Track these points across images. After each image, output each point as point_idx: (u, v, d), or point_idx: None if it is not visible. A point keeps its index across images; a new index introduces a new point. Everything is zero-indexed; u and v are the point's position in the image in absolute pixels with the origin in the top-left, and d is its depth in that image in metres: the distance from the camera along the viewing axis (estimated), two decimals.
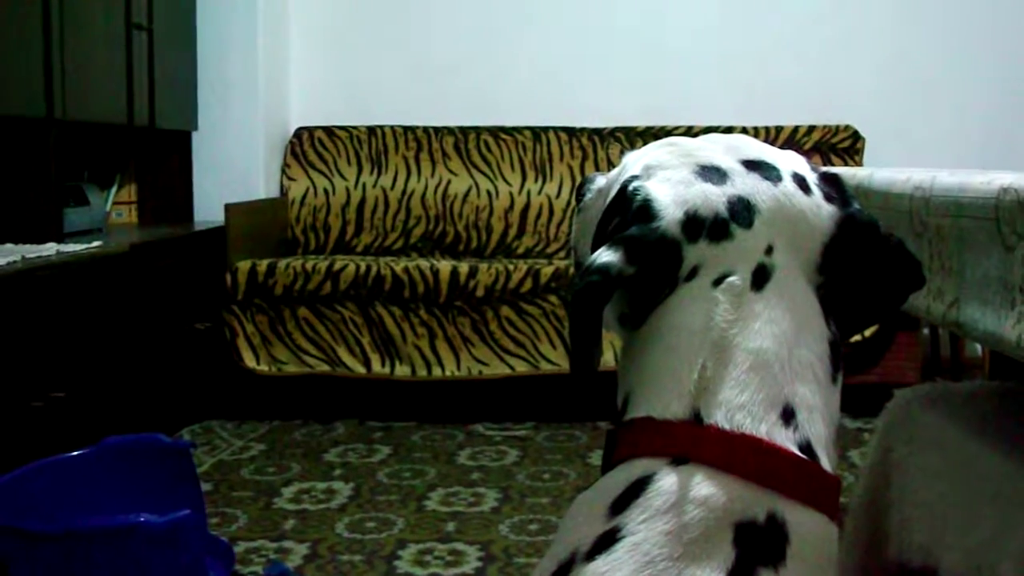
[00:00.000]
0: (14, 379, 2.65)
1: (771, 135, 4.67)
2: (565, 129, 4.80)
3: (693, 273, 1.00)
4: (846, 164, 4.60)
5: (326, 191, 4.78)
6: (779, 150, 1.09)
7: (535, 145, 4.80)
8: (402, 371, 4.01)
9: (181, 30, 4.40)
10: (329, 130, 4.87)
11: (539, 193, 4.73)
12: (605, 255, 0.99)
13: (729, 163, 1.05)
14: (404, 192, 4.77)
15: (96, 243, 3.32)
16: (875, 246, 1.04)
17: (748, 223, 1.01)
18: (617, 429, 1.02)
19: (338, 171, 4.81)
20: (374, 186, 4.79)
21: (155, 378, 3.63)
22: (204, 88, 4.56)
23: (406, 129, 4.85)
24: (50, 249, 3.07)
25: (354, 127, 4.87)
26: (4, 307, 2.61)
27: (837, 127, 4.72)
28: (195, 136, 4.56)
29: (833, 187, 1.06)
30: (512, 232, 4.71)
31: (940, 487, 1.66)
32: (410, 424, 4.04)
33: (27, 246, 3.10)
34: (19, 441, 2.60)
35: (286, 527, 2.97)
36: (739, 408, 0.96)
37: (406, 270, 4.01)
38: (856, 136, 4.70)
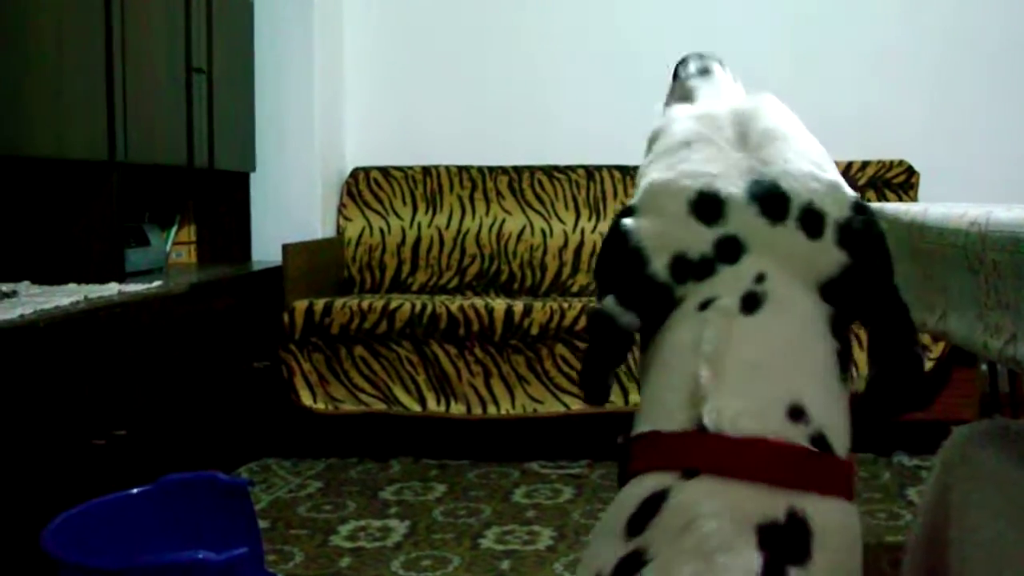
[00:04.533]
0: (77, 417, 2.70)
1: None
2: (618, 167, 4.82)
3: (681, 301, 1.04)
4: (900, 199, 4.57)
5: (382, 230, 4.82)
6: (818, 165, 1.10)
7: (589, 183, 4.82)
8: (457, 409, 4.02)
9: (240, 73, 4.48)
10: (385, 170, 4.92)
11: (593, 231, 4.74)
12: (607, 303, 1.07)
13: (733, 189, 1.06)
14: (459, 231, 4.80)
15: (157, 283, 3.38)
16: (880, 309, 1.06)
17: (734, 259, 1.04)
18: (628, 443, 1.05)
19: (394, 211, 4.85)
20: (429, 225, 4.82)
21: (214, 416, 3.67)
22: (262, 130, 4.64)
23: (461, 169, 4.89)
24: (112, 289, 3.12)
25: (409, 167, 4.92)
26: (68, 346, 2.66)
27: (891, 162, 4.70)
28: (253, 177, 4.63)
29: (859, 234, 1.06)
30: (566, 270, 4.72)
31: (999, 526, 1.64)
32: (465, 462, 4.04)
33: (90, 286, 3.16)
34: (81, 478, 2.64)
35: (342, 565, 2.99)
36: (741, 413, 0.98)
37: (461, 309, 4.03)
38: (910, 171, 4.67)
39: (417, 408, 4.03)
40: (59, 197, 3.40)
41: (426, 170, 4.91)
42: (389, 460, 4.08)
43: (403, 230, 4.82)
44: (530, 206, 4.80)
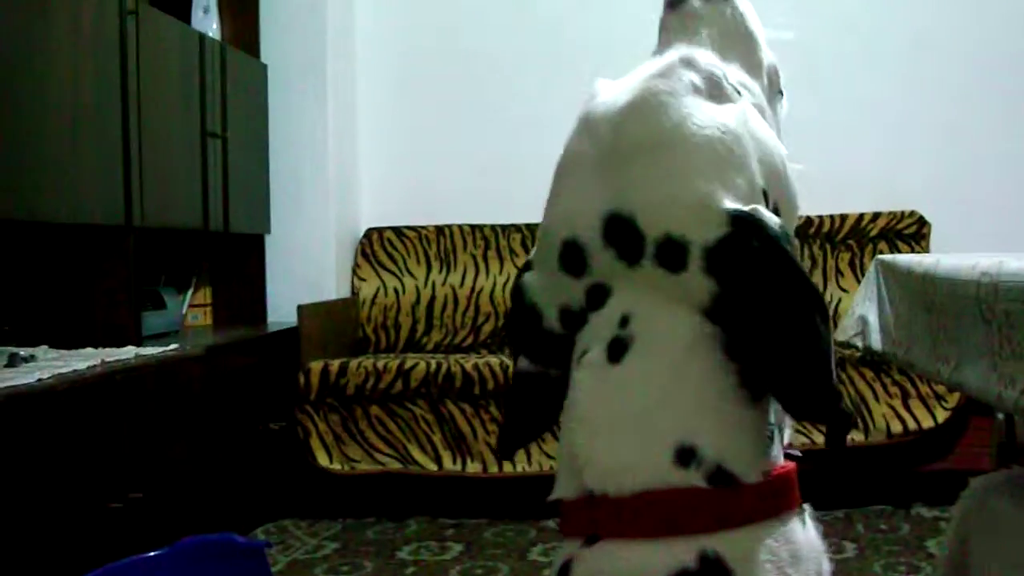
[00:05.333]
0: (94, 480, 2.70)
1: (835, 224, 4.67)
2: None
3: (571, 357, 1.03)
4: (913, 250, 4.58)
5: (396, 290, 4.84)
6: (686, 181, 0.97)
7: None
8: (473, 468, 4.01)
9: (254, 137, 4.53)
10: (398, 230, 4.95)
11: None
12: (520, 362, 1.08)
13: (591, 233, 1.00)
14: (473, 289, 4.82)
15: (173, 346, 3.39)
16: (764, 332, 0.95)
17: (600, 305, 1.00)
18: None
19: (408, 270, 4.88)
20: (443, 284, 4.84)
21: (230, 478, 3.67)
22: (277, 192, 4.68)
23: (474, 227, 4.92)
24: (129, 352, 3.14)
25: (422, 227, 4.95)
26: (85, 410, 2.67)
27: (902, 213, 4.70)
28: (268, 239, 4.66)
29: (728, 258, 0.95)
30: None
31: None
32: (482, 521, 4.03)
33: (107, 350, 3.17)
34: (98, 542, 2.64)
35: None
36: (623, 471, 0.95)
37: (476, 367, 4.04)
38: (922, 221, 4.68)
39: (433, 467, 4.03)
40: (76, 261, 3.43)
41: (439, 229, 4.94)
42: (406, 520, 4.06)
43: (417, 289, 4.84)
44: None
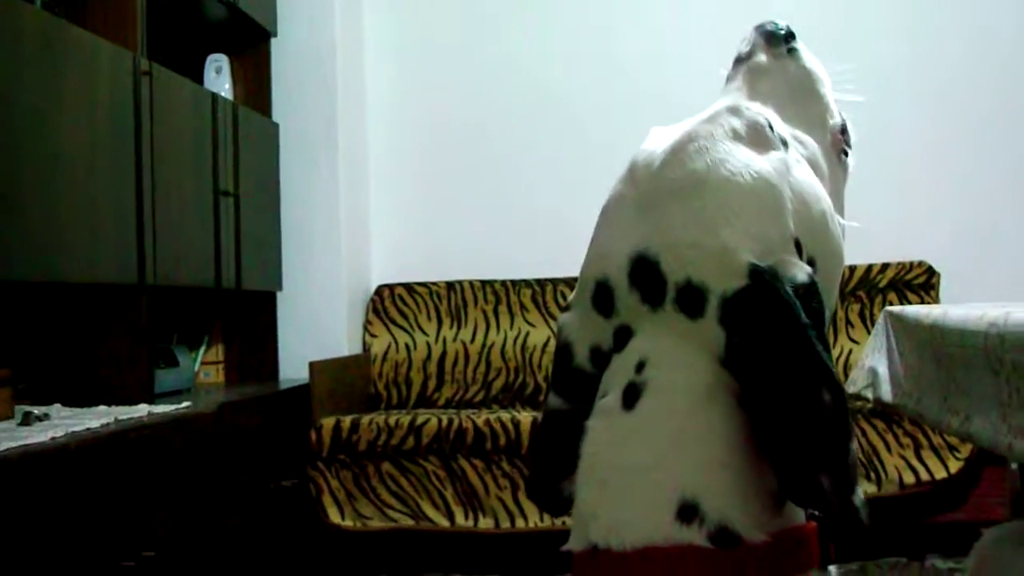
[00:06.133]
0: (106, 539, 2.70)
1: (845, 274, 4.67)
2: None
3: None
4: (922, 301, 4.58)
5: (407, 346, 4.85)
6: (711, 228, 0.96)
7: None
8: (485, 524, 4.00)
9: (266, 195, 4.56)
10: (409, 287, 4.97)
11: None
12: (550, 399, 1.07)
13: (620, 275, 0.99)
14: (484, 345, 4.83)
15: (185, 404, 3.40)
16: (766, 391, 0.92)
17: (622, 347, 0.99)
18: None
19: (419, 326, 4.89)
20: (454, 340, 4.85)
21: (242, 535, 3.66)
22: (288, 249, 4.71)
23: (484, 283, 4.94)
24: (142, 410, 3.15)
25: (433, 283, 4.97)
26: (98, 468, 2.68)
27: (911, 263, 4.71)
28: (280, 296, 4.68)
29: (740, 310, 0.93)
30: None
31: None
32: None
33: (120, 408, 3.19)
34: None
35: None
36: (625, 525, 0.93)
37: (487, 422, 4.04)
38: (931, 272, 4.68)
39: (445, 523, 4.01)
40: (89, 320, 3.45)
41: (450, 285, 4.96)
42: None
43: (428, 345, 4.85)
44: (554, 318, 4.82)
